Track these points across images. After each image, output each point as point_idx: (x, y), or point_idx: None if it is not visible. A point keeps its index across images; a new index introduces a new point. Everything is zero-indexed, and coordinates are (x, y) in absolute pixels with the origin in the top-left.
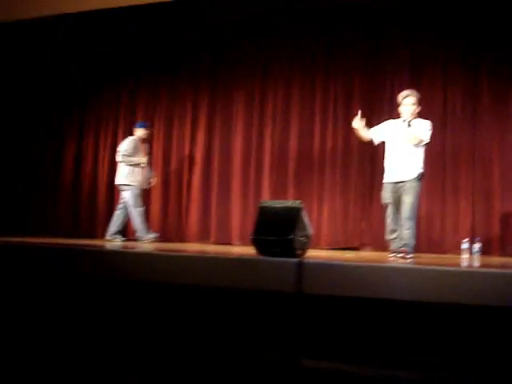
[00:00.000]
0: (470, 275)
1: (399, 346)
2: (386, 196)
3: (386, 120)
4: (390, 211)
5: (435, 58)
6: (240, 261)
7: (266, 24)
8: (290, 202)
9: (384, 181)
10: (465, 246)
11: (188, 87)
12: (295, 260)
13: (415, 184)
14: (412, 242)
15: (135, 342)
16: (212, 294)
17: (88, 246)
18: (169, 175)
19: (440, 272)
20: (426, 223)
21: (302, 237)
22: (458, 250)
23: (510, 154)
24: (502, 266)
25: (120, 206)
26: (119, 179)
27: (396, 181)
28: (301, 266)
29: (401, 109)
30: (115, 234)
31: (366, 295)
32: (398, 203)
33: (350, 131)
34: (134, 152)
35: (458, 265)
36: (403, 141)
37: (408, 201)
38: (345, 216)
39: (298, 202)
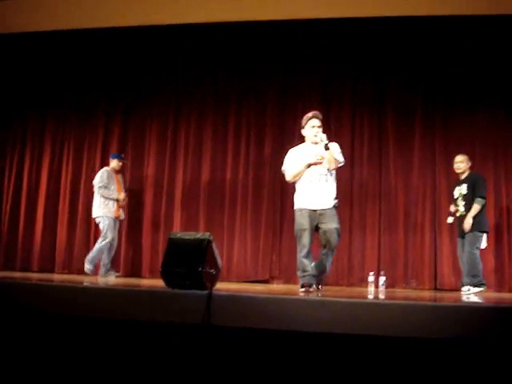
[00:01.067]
0: (375, 307)
1: (308, 377)
2: (303, 222)
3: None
4: (306, 239)
5: (344, 99)
6: (149, 293)
7: (179, 61)
8: (199, 234)
9: (300, 206)
10: (371, 279)
11: (100, 118)
12: (204, 292)
13: (335, 211)
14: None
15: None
16: (121, 326)
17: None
18: (76, 206)
19: (346, 304)
20: (334, 256)
21: (211, 269)
22: (364, 283)
23: (413, 192)
24: (405, 298)
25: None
26: (94, 212)
27: (315, 208)
28: (210, 298)
29: (309, 132)
30: (109, 269)
31: (274, 327)
32: (312, 232)
33: (262, 165)
34: (109, 183)
35: (365, 297)
36: (324, 164)
37: (335, 227)
38: (255, 249)
39: (207, 234)
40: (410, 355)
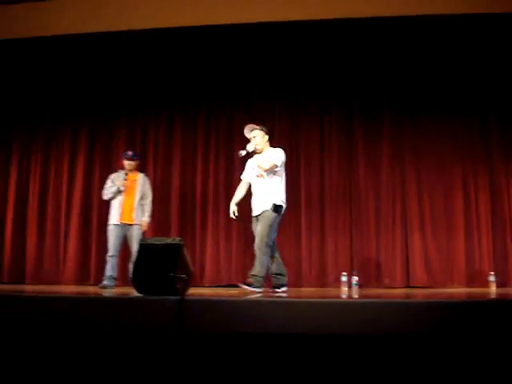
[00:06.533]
0: (349, 306)
1: (285, 379)
2: (253, 229)
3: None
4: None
5: (312, 103)
6: (120, 301)
7: (144, 67)
8: (170, 240)
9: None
10: (344, 278)
11: (67, 130)
12: (176, 298)
13: (268, 214)
14: (262, 273)
15: None
16: (92, 336)
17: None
18: (45, 217)
19: (320, 304)
20: (307, 258)
21: (183, 274)
22: (338, 284)
23: (383, 191)
24: (378, 297)
25: None
26: None
27: (255, 214)
28: (182, 303)
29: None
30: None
31: (250, 330)
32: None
33: (233, 169)
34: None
35: (338, 297)
36: (258, 170)
37: (258, 230)
38: (228, 253)
39: (178, 238)
40: (386, 351)
